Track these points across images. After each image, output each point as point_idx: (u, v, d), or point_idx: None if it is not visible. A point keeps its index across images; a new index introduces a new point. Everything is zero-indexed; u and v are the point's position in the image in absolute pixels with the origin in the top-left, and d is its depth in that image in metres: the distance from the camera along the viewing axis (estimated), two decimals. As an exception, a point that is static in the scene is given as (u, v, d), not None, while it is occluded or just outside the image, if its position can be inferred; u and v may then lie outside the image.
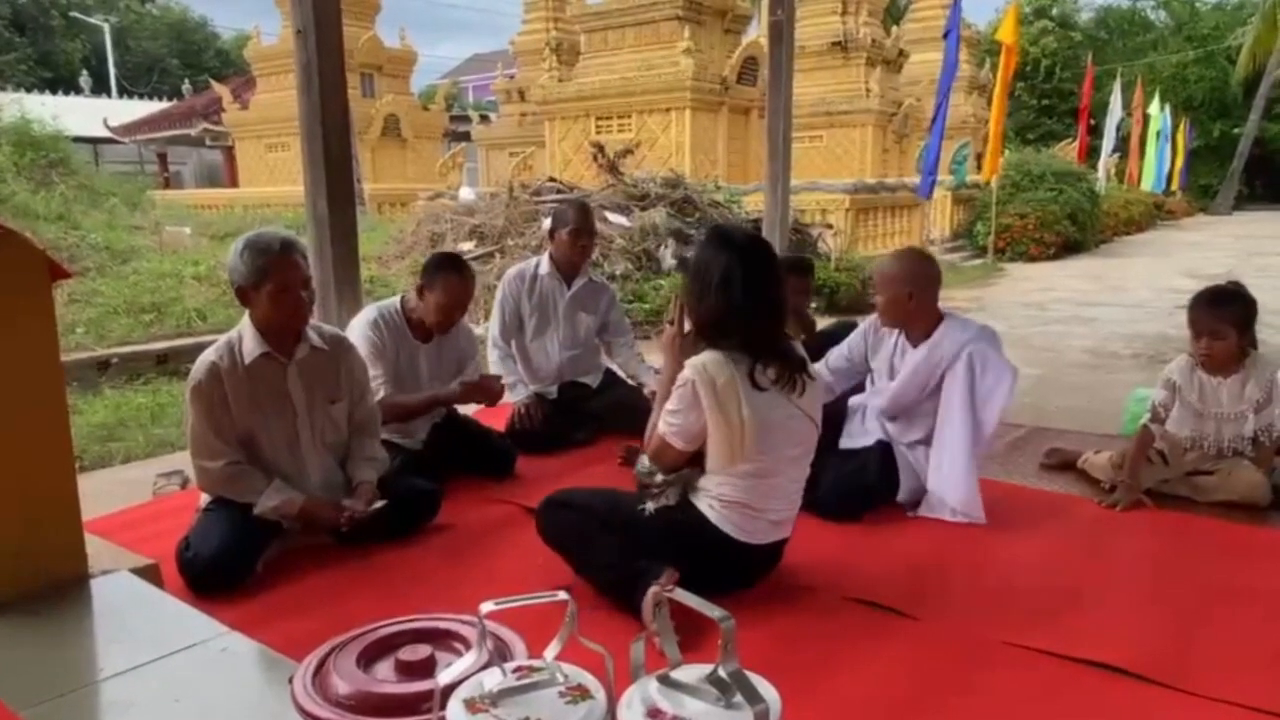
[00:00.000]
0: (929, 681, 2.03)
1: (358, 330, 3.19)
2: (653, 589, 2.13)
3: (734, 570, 2.39)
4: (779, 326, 2.30)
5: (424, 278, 3.31)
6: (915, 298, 3.07)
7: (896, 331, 3.21)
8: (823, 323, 4.70)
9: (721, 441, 2.22)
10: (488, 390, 3.44)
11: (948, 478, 3.02)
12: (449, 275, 3.28)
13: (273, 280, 2.52)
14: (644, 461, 2.46)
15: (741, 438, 2.19)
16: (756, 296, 2.22)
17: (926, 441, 3.12)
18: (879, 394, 3.25)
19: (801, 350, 2.37)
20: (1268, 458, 3.20)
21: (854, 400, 3.40)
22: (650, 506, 2.39)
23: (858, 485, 3.09)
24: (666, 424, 2.30)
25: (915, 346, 3.13)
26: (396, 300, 3.41)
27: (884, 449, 3.18)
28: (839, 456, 3.20)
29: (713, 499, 2.33)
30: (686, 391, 2.23)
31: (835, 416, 3.35)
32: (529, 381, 3.99)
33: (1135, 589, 2.49)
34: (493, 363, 4.03)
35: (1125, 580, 2.56)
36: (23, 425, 1.98)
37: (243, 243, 2.55)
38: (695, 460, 2.36)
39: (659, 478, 2.40)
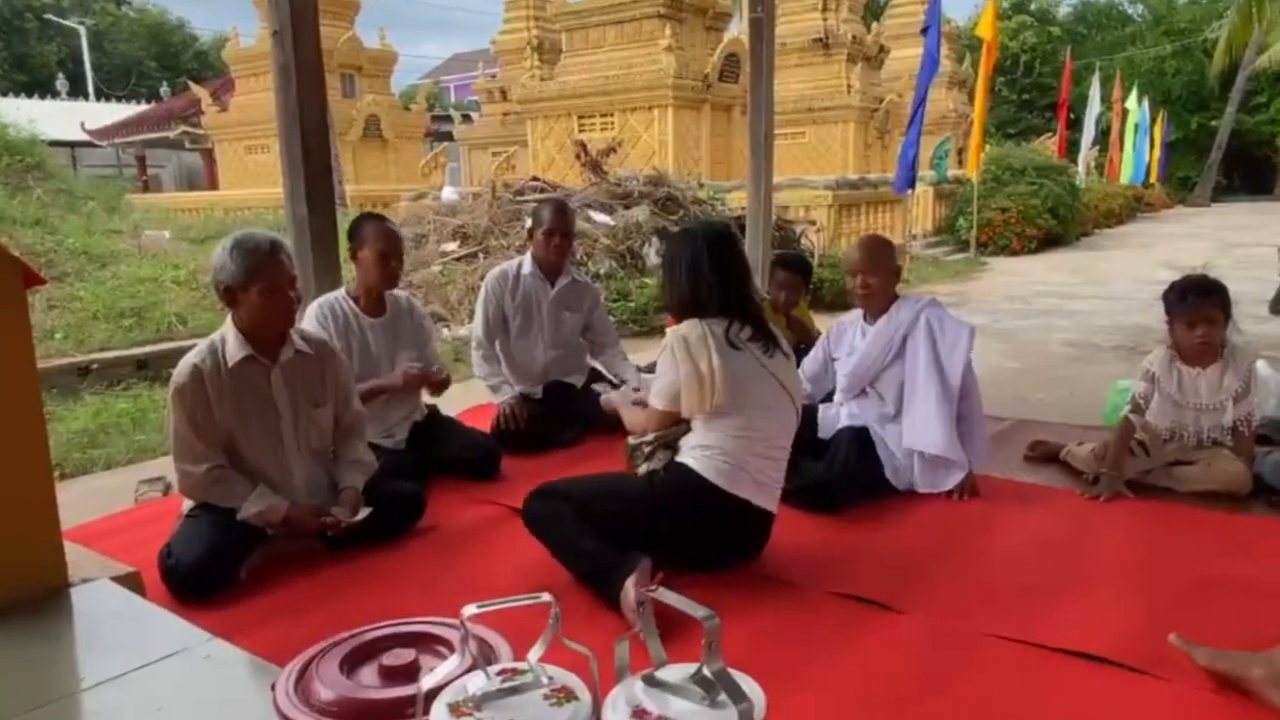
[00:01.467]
0: (914, 675, 2.04)
1: (306, 325, 3.18)
2: (630, 586, 2.21)
3: (722, 526, 2.47)
4: (747, 292, 2.55)
5: (352, 242, 3.36)
6: (898, 274, 3.36)
7: (858, 319, 3.45)
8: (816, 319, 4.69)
9: (693, 388, 2.40)
10: (428, 380, 3.44)
11: (922, 431, 3.16)
12: (372, 225, 3.35)
13: (262, 280, 2.51)
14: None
15: (711, 384, 2.38)
16: (721, 267, 2.49)
17: (897, 417, 3.27)
18: (841, 371, 3.44)
19: (775, 331, 2.57)
20: (1247, 447, 3.23)
21: (824, 405, 3.55)
22: (643, 468, 2.56)
23: (831, 467, 3.17)
24: (654, 390, 2.55)
25: (873, 324, 3.36)
26: (340, 289, 3.43)
27: (855, 432, 3.27)
28: (817, 449, 3.28)
29: (694, 449, 2.48)
30: (666, 354, 2.48)
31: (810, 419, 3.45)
32: (514, 382, 3.97)
33: (1119, 579, 2.50)
34: (476, 363, 4.01)
35: (1109, 571, 2.57)
36: (-2, 433, 1.95)
37: (231, 242, 2.53)
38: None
39: (650, 436, 2.61)
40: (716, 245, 2.53)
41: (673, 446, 2.56)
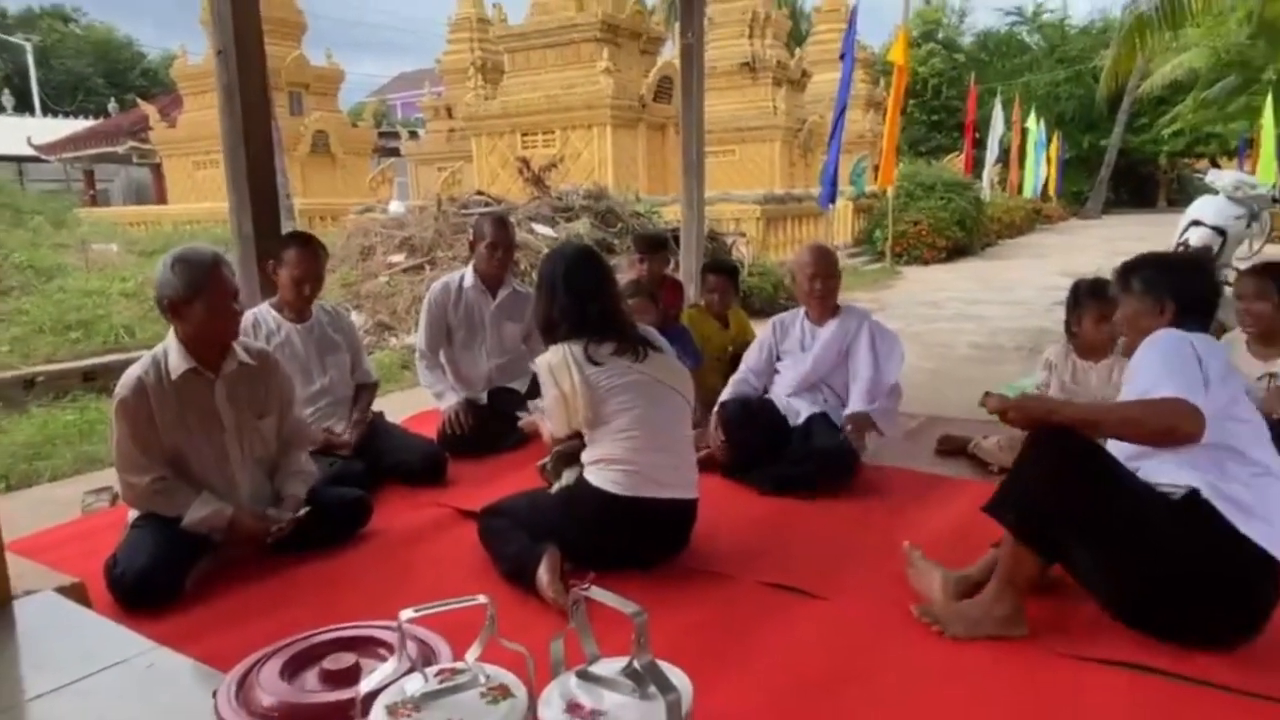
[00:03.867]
0: (839, 659, 2.06)
1: None
2: (542, 572, 2.32)
3: (643, 528, 2.47)
4: (608, 309, 2.55)
5: (273, 258, 3.30)
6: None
7: (800, 319, 3.59)
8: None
9: (559, 407, 2.47)
10: (337, 446, 3.32)
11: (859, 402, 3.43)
12: (293, 249, 3.30)
13: (205, 293, 2.43)
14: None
15: (574, 402, 2.43)
16: (576, 291, 2.52)
17: (843, 404, 3.50)
18: (793, 367, 3.56)
19: (648, 332, 2.63)
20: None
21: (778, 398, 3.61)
22: (556, 486, 2.62)
23: (808, 461, 3.28)
24: (545, 413, 2.63)
25: (821, 325, 3.54)
26: (266, 302, 3.38)
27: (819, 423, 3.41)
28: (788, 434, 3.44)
29: (592, 465, 2.50)
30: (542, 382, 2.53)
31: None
32: (459, 390, 3.92)
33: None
34: (421, 373, 3.95)
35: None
36: (-65, 449, 1.85)
37: (172, 258, 2.45)
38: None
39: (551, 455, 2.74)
40: (570, 265, 2.58)
41: (575, 460, 2.60)
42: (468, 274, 3.96)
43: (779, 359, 3.63)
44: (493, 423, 3.85)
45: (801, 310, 3.63)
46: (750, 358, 3.70)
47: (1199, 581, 1.97)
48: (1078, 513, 2.01)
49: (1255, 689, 1.86)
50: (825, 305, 3.52)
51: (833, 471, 3.22)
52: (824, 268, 3.49)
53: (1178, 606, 2.00)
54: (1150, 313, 2.23)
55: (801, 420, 3.43)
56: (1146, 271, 2.28)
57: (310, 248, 3.34)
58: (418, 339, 3.99)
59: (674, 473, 2.51)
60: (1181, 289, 2.21)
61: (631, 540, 2.49)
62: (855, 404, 3.43)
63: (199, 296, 2.43)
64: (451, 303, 3.91)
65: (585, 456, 2.53)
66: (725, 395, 3.63)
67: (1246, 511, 1.93)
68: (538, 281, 2.64)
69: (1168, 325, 2.18)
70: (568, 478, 2.61)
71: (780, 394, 3.55)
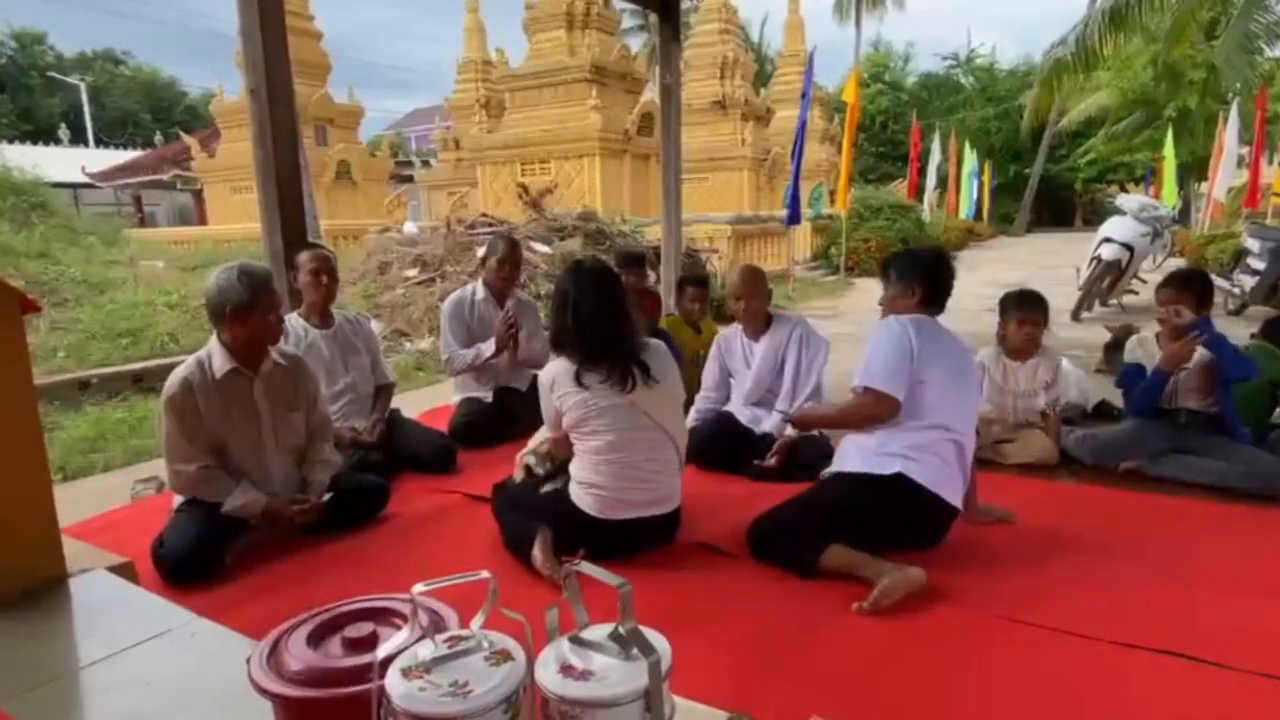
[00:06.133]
0: (796, 622, 2.07)
1: None
2: (536, 550, 2.30)
3: (608, 543, 2.30)
4: (610, 336, 2.33)
5: (291, 272, 3.28)
6: (770, 297, 3.45)
7: (739, 335, 3.47)
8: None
9: (549, 413, 2.43)
10: (361, 443, 3.28)
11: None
12: (302, 252, 3.29)
13: (265, 301, 2.45)
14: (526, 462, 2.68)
15: (560, 414, 2.37)
16: (589, 314, 2.32)
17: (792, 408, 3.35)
18: (740, 384, 3.47)
19: (654, 359, 2.37)
20: (1055, 427, 3.38)
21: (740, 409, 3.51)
22: (546, 488, 2.53)
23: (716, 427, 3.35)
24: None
25: (757, 340, 3.42)
26: (295, 312, 3.34)
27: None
28: (752, 440, 3.33)
29: (573, 482, 2.42)
30: (540, 387, 2.46)
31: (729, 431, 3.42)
32: (476, 383, 3.92)
33: (953, 536, 2.58)
34: (456, 363, 3.88)
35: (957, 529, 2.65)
36: (-2, 442, 1.82)
37: (237, 270, 2.44)
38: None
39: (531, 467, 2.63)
40: (588, 287, 2.35)
41: (554, 462, 2.54)
42: (478, 288, 3.94)
43: (731, 376, 3.54)
44: (497, 418, 3.83)
45: (740, 327, 3.48)
46: (707, 375, 3.59)
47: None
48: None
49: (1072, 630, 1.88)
50: (750, 321, 3.41)
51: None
52: (746, 289, 3.36)
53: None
54: (904, 296, 2.51)
55: (765, 428, 3.31)
56: (899, 264, 2.55)
57: (315, 247, 3.33)
58: (444, 347, 3.93)
59: (647, 494, 2.37)
60: (925, 277, 2.49)
61: (610, 549, 2.30)
62: (770, 423, 3.29)
63: (258, 304, 2.43)
64: (466, 314, 3.90)
65: (572, 468, 2.44)
66: (690, 420, 3.49)
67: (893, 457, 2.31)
68: (556, 293, 2.42)
69: (917, 305, 2.47)
70: (557, 482, 2.51)
71: (738, 405, 3.46)
